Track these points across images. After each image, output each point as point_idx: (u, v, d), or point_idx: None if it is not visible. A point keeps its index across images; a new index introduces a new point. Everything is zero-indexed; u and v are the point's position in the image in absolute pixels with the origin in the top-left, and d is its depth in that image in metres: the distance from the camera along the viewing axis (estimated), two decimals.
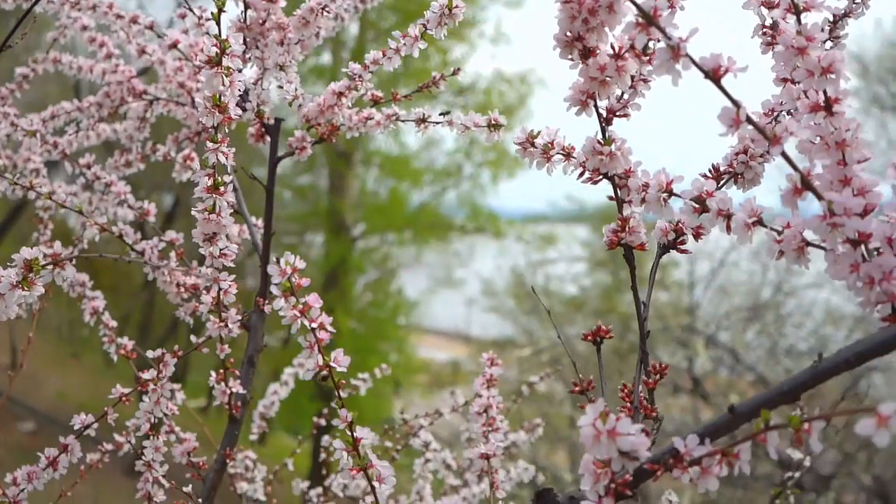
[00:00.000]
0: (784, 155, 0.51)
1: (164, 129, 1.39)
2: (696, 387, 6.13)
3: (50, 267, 0.67)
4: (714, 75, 0.50)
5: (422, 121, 0.94)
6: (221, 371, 0.96)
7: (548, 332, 8.59)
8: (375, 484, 0.64)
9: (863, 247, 0.52)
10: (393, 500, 1.27)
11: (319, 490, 1.44)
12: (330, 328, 0.62)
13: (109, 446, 1.11)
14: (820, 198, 0.51)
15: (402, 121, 0.96)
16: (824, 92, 0.53)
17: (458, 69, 0.98)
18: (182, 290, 1.03)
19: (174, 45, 1.09)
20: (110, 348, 1.08)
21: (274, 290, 0.62)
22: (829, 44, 0.71)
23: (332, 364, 0.63)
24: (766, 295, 7.17)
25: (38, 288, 0.69)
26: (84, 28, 1.22)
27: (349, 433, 0.65)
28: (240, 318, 0.91)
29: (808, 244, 0.54)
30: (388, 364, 1.55)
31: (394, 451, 1.34)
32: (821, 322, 6.90)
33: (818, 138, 0.54)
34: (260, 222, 1.12)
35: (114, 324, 1.10)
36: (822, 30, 0.65)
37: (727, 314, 6.72)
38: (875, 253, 0.52)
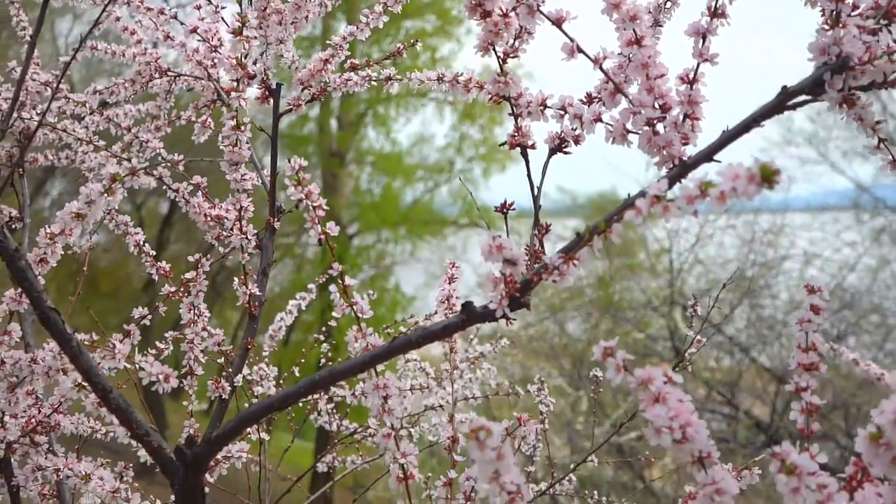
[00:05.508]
0: (602, 70, 0.81)
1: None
2: (678, 357, 6.45)
3: (129, 176, 0.96)
4: (558, 22, 0.80)
5: (389, 79, 1.24)
6: (243, 276, 1.26)
7: (544, 322, 8.89)
8: (360, 315, 0.94)
9: (661, 127, 0.82)
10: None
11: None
12: (325, 206, 0.91)
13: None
14: (626, 96, 0.81)
15: (375, 81, 1.26)
16: (634, 31, 0.83)
17: (416, 40, 1.28)
18: (208, 219, 1.32)
19: (194, 30, 1.38)
20: (152, 271, 1.38)
21: (286, 193, 0.91)
22: (669, 3, 1.00)
23: (328, 230, 0.92)
24: (751, 272, 7.50)
25: (119, 196, 0.98)
26: (117, 19, 1.52)
27: (341, 282, 0.94)
28: (256, 231, 1.21)
29: (629, 131, 0.84)
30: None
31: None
32: (798, 294, 7.22)
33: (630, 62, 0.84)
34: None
35: (153, 253, 1.40)
36: None
37: (709, 284, 7.03)
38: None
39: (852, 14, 0.76)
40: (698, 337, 1.37)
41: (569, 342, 8.36)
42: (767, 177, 0.57)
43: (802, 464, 0.61)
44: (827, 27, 0.74)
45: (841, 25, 0.73)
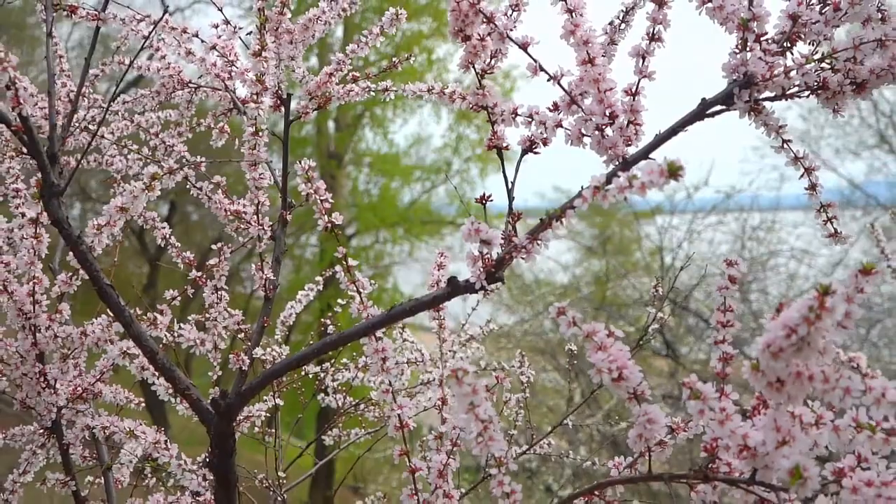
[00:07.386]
0: (560, 85, 0.99)
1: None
2: (669, 350, 6.64)
3: (167, 175, 1.14)
4: (523, 46, 0.98)
5: (385, 90, 1.42)
6: (259, 262, 1.44)
7: (541, 321, 9.05)
8: (361, 290, 1.12)
9: (609, 131, 1.00)
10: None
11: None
12: (330, 200, 1.09)
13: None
14: (579, 106, 0.99)
15: (374, 91, 1.44)
16: (587, 52, 1.01)
17: (410, 55, 1.46)
18: (227, 213, 1.50)
19: (213, 47, 1.56)
20: (178, 260, 1.55)
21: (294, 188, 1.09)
22: (623, 25, 1.18)
23: (333, 220, 1.10)
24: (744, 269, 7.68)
25: (157, 191, 1.16)
26: (145, 38, 1.69)
27: (345, 262, 1.12)
28: (271, 223, 1.39)
29: (583, 135, 1.02)
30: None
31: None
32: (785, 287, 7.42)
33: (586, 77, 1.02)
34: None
35: (178, 245, 1.58)
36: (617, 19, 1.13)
37: (698, 280, 7.20)
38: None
39: (762, 38, 0.94)
40: (660, 314, 1.55)
41: (564, 338, 8.52)
42: (673, 171, 0.75)
43: (706, 390, 0.79)
44: (737, 50, 0.92)
45: (748, 49, 0.91)
